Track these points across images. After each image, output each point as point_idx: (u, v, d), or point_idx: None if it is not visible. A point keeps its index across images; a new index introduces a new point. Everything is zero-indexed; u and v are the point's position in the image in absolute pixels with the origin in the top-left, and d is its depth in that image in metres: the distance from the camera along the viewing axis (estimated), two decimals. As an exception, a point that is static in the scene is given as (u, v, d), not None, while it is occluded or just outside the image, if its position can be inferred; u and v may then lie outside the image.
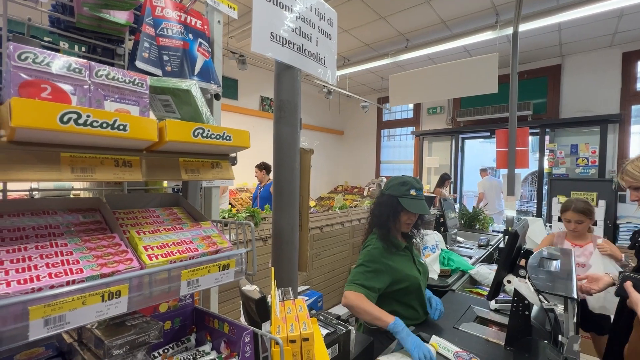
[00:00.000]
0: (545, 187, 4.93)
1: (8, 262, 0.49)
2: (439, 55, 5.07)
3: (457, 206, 4.95)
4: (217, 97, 1.05)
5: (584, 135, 4.88)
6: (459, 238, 3.57)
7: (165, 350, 0.78)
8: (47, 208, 0.70)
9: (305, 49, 1.18)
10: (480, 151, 7.42)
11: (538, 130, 5.13)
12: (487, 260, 3.07)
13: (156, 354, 0.76)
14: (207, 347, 0.80)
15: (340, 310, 3.27)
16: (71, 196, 1.20)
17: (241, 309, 1.16)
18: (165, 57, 0.86)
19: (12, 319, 0.43)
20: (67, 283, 0.50)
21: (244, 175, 5.62)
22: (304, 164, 1.26)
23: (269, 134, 1.21)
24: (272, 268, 0.97)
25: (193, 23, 0.94)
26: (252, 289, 1.04)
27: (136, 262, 0.59)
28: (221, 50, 1.10)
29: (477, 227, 4.27)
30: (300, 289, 2.36)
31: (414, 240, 1.66)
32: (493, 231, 4.25)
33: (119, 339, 0.57)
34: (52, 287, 0.48)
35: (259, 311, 0.95)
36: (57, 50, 0.83)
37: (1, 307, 0.42)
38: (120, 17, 0.84)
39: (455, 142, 6.28)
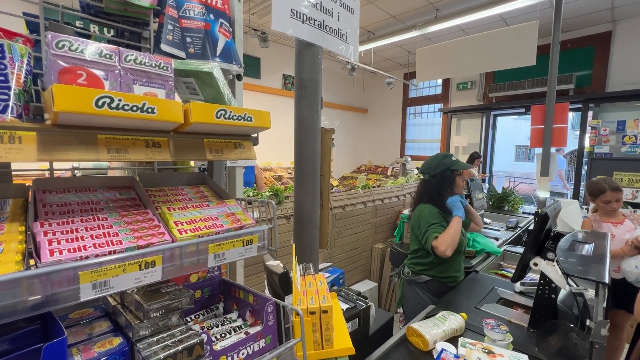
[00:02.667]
0: (585, 167, 4.61)
1: (59, 233, 0.56)
2: (472, 25, 4.72)
3: (485, 186, 4.77)
4: (238, 77, 1.07)
5: (633, 111, 4.44)
6: (485, 219, 3.47)
7: (197, 316, 0.86)
8: (88, 185, 0.76)
9: (326, 25, 1.15)
10: (513, 128, 6.99)
11: (580, 106, 4.73)
12: (515, 242, 2.98)
13: (189, 319, 0.83)
14: (233, 315, 0.86)
15: (361, 287, 3.35)
16: (107, 174, 1.30)
17: (265, 282, 1.23)
18: (188, 39, 0.87)
19: (65, 282, 0.49)
20: (109, 253, 0.55)
21: (268, 155, 5.71)
22: (324, 144, 1.27)
23: (292, 114, 1.22)
24: (294, 244, 1.01)
25: (214, 3, 0.94)
26: (275, 264, 1.09)
27: (168, 236, 0.64)
28: (242, 30, 1.10)
29: (506, 208, 4.12)
30: (322, 265, 2.43)
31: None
32: (523, 213, 4.09)
33: (156, 303, 0.63)
34: (97, 255, 0.54)
35: (282, 284, 1.01)
36: (89, 37, 0.87)
37: (57, 272, 0.48)
38: (145, 0, 0.86)
39: (486, 119, 5.95)
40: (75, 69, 0.52)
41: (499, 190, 4.29)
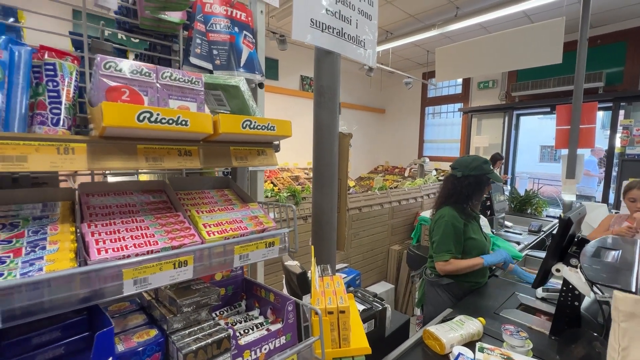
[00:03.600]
0: (615, 169, 4.39)
1: (104, 233, 0.62)
2: (494, 23, 4.60)
3: (507, 188, 4.64)
4: (260, 85, 1.12)
5: (670, 109, 4.20)
6: (507, 222, 3.39)
7: (221, 312, 0.91)
8: (125, 189, 0.83)
9: (344, 33, 1.18)
10: (538, 127, 6.73)
11: (611, 105, 4.51)
12: (538, 247, 2.90)
13: (214, 315, 0.89)
14: (255, 313, 0.91)
15: (377, 288, 3.35)
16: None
17: (284, 282, 1.27)
18: (215, 52, 0.93)
19: (111, 278, 0.55)
20: (148, 252, 0.61)
21: (285, 156, 5.79)
22: (342, 148, 1.30)
23: (309, 114, 1.26)
24: (312, 246, 1.05)
25: (238, 16, 0.99)
26: (294, 265, 1.13)
27: (198, 238, 0.69)
28: (264, 39, 1.15)
29: (529, 211, 3.99)
30: (339, 266, 2.46)
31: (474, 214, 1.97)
32: (547, 216, 3.95)
33: (188, 299, 0.69)
34: (137, 255, 0.59)
35: (300, 284, 1.05)
36: (124, 53, 0.94)
37: (105, 269, 0.54)
38: (176, 16, 0.93)
39: (508, 119, 5.77)
40: (119, 87, 0.58)
41: (522, 193, 4.17)
